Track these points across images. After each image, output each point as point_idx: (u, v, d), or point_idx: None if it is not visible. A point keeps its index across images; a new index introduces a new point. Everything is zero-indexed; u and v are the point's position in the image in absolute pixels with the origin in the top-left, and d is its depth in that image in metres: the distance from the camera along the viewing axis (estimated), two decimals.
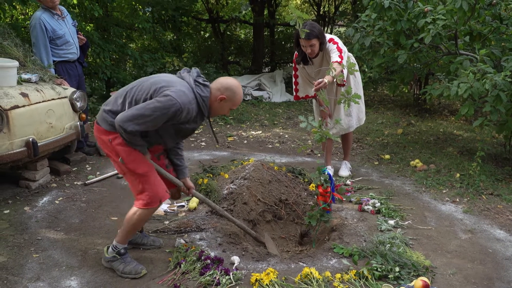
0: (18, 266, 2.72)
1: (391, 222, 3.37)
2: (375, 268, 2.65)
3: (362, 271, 2.61)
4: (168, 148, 2.85)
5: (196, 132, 6.27)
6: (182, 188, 2.88)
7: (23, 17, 8.98)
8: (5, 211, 3.48)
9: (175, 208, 3.61)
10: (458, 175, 4.46)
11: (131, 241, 2.94)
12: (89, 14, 7.36)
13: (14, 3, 6.16)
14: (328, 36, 3.88)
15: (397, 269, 2.64)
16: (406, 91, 8.76)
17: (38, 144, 3.69)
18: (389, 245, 2.94)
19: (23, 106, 3.61)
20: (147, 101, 2.42)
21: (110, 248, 2.71)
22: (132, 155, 2.52)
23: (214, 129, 2.94)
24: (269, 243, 3.18)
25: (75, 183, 4.15)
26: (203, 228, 3.23)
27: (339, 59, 3.61)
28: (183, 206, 3.65)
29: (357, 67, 4.17)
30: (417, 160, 4.89)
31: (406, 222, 3.41)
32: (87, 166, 4.61)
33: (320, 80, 3.28)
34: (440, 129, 6.63)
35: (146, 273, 2.65)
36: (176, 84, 2.45)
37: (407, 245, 3.03)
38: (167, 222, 3.34)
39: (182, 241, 3.00)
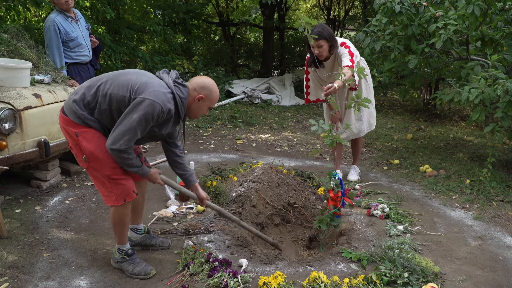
0: (28, 265, 2.75)
1: (400, 227, 3.35)
2: (383, 274, 2.64)
3: (371, 276, 2.61)
4: (169, 161, 2.84)
5: (205, 135, 6.30)
6: (196, 201, 2.87)
7: (36, 19, 9.11)
8: (17, 211, 3.53)
9: (184, 210, 3.63)
10: (468, 181, 4.43)
11: (139, 242, 2.96)
12: (101, 17, 7.44)
13: (28, 5, 6.25)
14: (340, 40, 3.88)
15: (406, 274, 2.63)
16: (416, 96, 8.71)
17: (50, 145, 3.73)
18: (398, 250, 2.92)
19: (36, 106, 3.65)
20: (125, 103, 2.39)
21: (117, 251, 2.73)
22: (96, 155, 2.46)
23: (186, 132, 2.82)
24: (287, 251, 3.16)
25: (85, 183, 4.18)
26: (211, 230, 3.24)
27: (350, 63, 3.61)
28: (191, 208, 3.66)
29: (368, 72, 4.17)
30: (426, 166, 4.86)
31: (415, 228, 3.39)
32: None
33: (330, 85, 3.28)
34: (450, 134, 6.58)
35: (155, 274, 2.67)
36: (153, 85, 2.41)
37: (416, 251, 3.02)
38: (175, 224, 3.36)
39: (190, 243, 3.02)
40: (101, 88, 2.45)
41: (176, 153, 2.80)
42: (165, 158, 4.90)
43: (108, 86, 2.44)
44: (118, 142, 2.35)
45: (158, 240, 3.01)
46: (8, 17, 7.21)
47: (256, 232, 3.16)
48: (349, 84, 3.36)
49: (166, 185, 3.95)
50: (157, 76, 2.54)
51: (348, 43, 3.84)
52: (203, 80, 2.57)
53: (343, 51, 3.79)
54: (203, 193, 2.87)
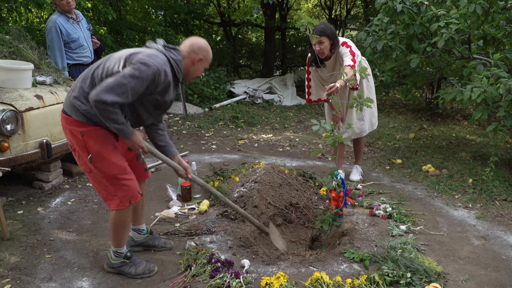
0: (31, 266, 2.75)
1: (403, 227, 3.34)
2: (386, 274, 2.63)
3: (373, 277, 2.60)
4: (149, 135, 2.76)
5: (207, 135, 6.30)
6: (180, 172, 2.74)
7: (38, 20, 9.13)
8: (19, 212, 3.53)
9: (186, 210, 3.62)
10: (471, 180, 4.41)
11: (142, 243, 2.96)
12: (102, 18, 7.45)
13: (29, 7, 6.26)
14: (341, 40, 3.87)
15: (408, 275, 2.62)
16: (418, 95, 8.69)
17: (52, 146, 3.73)
18: (400, 250, 2.92)
19: (38, 108, 3.66)
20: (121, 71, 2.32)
21: (113, 255, 2.67)
22: (103, 154, 2.41)
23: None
24: (274, 235, 3.15)
25: (88, 184, 4.18)
26: (213, 231, 3.23)
27: (351, 63, 3.61)
28: (194, 208, 3.66)
29: (370, 71, 4.16)
30: (429, 165, 4.85)
31: (418, 228, 3.38)
32: None
33: (332, 84, 3.27)
34: (453, 133, 6.56)
35: (157, 271, 2.69)
36: (145, 52, 2.37)
37: (419, 251, 3.01)
38: (178, 225, 3.35)
39: (192, 243, 3.01)
40: (96, 74, 2.37)
41: (158, 126, 2.75)
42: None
43: (101, 70, 2.36)
44: (105, 93, 2.21)
45: (161, 241, 3.01)
46: (10, 18, 7.24)
47: (242, 213, 3.13)
48: (350, 84, 3.35)
49: (168, 186, 3.96)
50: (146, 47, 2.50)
51: (350, 42, 3.83)
52: (198, 41, 2.54)
53: (344, 50, 3.78)
54: (186, 164, 2.79)
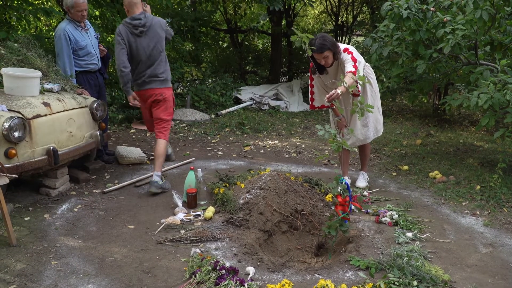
0: (36, 273, 2.77)
1: (409, 234, 3.32)
2: (392, 282, 2.61)
3: (379, 285, 2.58)
4: None
5: (213, 141, 6.32)
6: None
7: (47, 28, 9.24)
8: (26, 218, 3.55)
9: (191, 217, 3.63)
10: (478, 187, 4.37)
11: None
12: (110, 26, 7.51)
13: (38, 15, 6.34)
14: (342, 46, 3.87)
15: (415, 283, 2.59)
16: (425, 101, 8.66)
17: (59, 153, 3.76)
18: (407, 258, 2.89)
19: (45, 115, 3.69)
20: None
21: (159, 178, 4.03)
22: None
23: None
24: None
25: (94, 191, 4.21)
26: (218, 238, 3.23)
27: (353, 69, 3.60)
28: (199, 215, 3.66)
29: (374, 77, 4.15)
30: (436, 172, 4.81)
31: (425, 235, 3.36)
32: (106, 174, 4.68)
33: (333, 91, 3.28)
34: (460, 140, 6.52)
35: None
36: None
37: (426, 259, 2.98)
38: (183, 231, 3.35)
39: (197, 250, 3.01)
40: (160, 58, 4.28)
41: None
42: (173, 165, 4.92)
43: (156, 51, 4.25)
44: None
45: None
46: (19, 26, 7.34)
47: None
48: (352, 91, 3.35)
49: (173, 192, 3.97)
50: None
51: (351, 49, 3.83)
52: None
53: (346, 57, 3.78)
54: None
